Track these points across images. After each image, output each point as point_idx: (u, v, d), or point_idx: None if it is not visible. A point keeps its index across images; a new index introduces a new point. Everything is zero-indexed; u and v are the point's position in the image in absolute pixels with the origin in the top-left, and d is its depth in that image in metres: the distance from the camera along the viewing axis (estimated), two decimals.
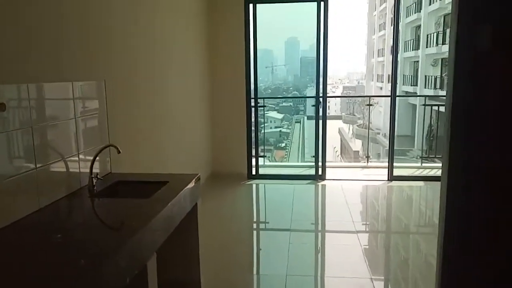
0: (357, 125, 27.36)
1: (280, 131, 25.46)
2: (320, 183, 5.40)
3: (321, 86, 5.31)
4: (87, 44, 2.41)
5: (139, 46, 3.23)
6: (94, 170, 2.27)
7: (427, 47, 20.69)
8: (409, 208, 4.75)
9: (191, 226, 2.57)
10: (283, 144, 23.85)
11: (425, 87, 20.77)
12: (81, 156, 2.27)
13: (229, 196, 5.06)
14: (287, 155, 21.88)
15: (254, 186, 5.49)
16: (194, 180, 2.49)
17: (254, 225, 4.40)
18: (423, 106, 6.28)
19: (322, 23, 5.13)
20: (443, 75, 19.83)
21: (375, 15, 32.43)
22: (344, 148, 25.17)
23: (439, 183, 4.95)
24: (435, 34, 19.98)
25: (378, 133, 23.87)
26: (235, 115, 5.56)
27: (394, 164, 5.43)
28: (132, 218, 1.88)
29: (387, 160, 5.42)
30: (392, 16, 5.23)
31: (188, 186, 2.36)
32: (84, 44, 2.37)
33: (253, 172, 5.65)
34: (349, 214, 4.34)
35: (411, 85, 23.08)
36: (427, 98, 7.37)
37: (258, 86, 5.56)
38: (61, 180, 2.12)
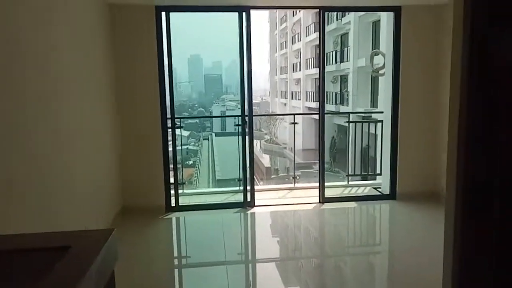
0: (264, 141, 27.68)
1: (187, 148, 24.64)
2: (250, 211, 4.86)
3: (246, 104, 4.85)
4: None
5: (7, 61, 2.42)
6: None
7: (327, 64, 21.75)
8: (352, 234, 4.45)
9: None
10: (191, 162, 23.08)
11: (327, 103, 21.77)
12: None
13: (146, 235, 4.21)
14: (196, 173, 21.15)
15: (174, 220, 4.74)
16: (109, 238, 1.77)
17: (177, 266, 3.72)
18: (348, 123, 6.15)
19: (244, 34, 4.68)
20: (343, 91, 21.04)
21: (276, 34, 33.60)
22: (255, 164, 25.20)
23: (371, 202, 4.76)
24: (333, 52, 21.12)
25: (285, 148, 24.49)
26: (148, 138, 4.78)
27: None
28: None
29: (317, 180, 5.09)
30: (318, 31, 4.99)
31: (102, 250, 1.65)
32: None
33: (173, 203, 4.90)
34: (287, 247, 3.88)
35: (313, 101, 24.09)
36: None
37: (174, 104, 4.88)
38: None
